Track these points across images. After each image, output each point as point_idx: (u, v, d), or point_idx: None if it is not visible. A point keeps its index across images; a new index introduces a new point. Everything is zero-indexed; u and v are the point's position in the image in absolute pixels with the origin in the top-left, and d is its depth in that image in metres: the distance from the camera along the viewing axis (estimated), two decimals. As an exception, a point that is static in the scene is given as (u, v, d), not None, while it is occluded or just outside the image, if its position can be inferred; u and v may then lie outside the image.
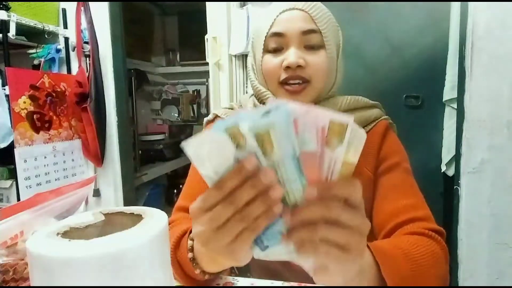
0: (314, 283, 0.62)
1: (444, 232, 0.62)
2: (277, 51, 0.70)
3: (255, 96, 0.78)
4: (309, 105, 0.34)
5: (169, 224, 0.63)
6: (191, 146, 0.34)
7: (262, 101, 0.75)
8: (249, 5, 1.86)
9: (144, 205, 1.31)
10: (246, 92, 1.88)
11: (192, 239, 0.58)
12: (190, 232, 0.59)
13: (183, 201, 0.76)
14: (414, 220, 0.63)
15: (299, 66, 0.67)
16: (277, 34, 0.69)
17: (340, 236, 0.36)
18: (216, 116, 0.82)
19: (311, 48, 0.69)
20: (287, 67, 0.68)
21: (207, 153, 0.35)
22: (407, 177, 0.71)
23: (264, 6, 1.78)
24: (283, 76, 0.69)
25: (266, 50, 0.71)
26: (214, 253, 0.40)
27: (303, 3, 0.70)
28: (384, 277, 0.49)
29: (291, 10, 0.70)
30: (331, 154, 0.35)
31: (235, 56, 1.91)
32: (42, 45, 1.94)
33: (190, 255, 0.56)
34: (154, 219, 0.39)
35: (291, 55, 0.67)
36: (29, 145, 1.74)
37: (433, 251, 0.57)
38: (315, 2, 0.71)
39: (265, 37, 0.70)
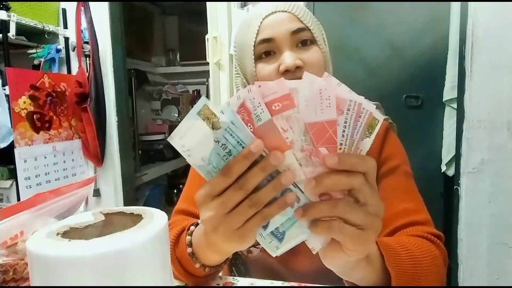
0: (313, 283, 0.63)
1: (442, 236, 0.63)
2: (269, 56, 0.68)
3: None
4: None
5: (168, 226, 0.63)
6: (175, 139, 0.36)
7: None
8: (250, 5, 1.86)
9: (144, 205, 1.31)
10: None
11: (190, 235, 0.58)
12: (189, 228, 0.60)
13: (183, 203, 0.75)
14: (414, 224, 0.64)
15: (297, 67, 0.65)
16: (266, 40, 0.67)
17: (358, 215, 0.37)
18: None
19: (303, 46, 0.68)
20: (286, 71, 0.65)
21: (189, 142, 0.36)
22: (408, 180, 0.71)
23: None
24: None
25: (257, 58, 0.69)
26: (223, 238, 0.40)
27: (284, 5, 0.68)
28: (388, 269, 0.49)
29: (275, 13, 0.67)
30: (360, 143, 0.37)
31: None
32: (42, 45, 1.94)
33: (189, 250, 0.57)
34: (154, 219, 0.38)
35: (287, 58, 0.65)
36: (29, 145, 1.74)
37: (432, 252, 0.57)
38: (295, 2, 0.69)
39: (254, 46, 0.67)
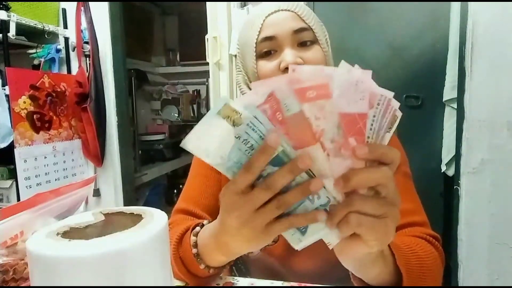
0: (313, 283, 0.62)
1: (439, 237, 0.63)
2: (270, 54, 0.69)
3: None
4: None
5: (168, 225, 0.63)
6: (190, 142, 0.35)
7: None
8: (250, 5, 1.86)
9: (144, 205, 1.31)
10: (246, 92, 1.88)
11: (195, 235, 0.58)
12: (193, 229, 0.60)
13: (182, 203, 0.75)
14: (412, 224, 0.64)
15: None
16: (268, 38, 0.67)
17: (374, 205, 0.37)
18: None
19: (304, 45, 0.68)
20: (286, 69, 0.65)
21: (207, 144, 0.36)
22: (407, 181, 0.71)
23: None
24: None
25: (259, 56, 0.69)
26: (246, 236, 0.41)
27: (287, 4, 0.68)
28: (397, 269, 0.50)
29: (277, 12, 0.68)
30: (383, 137, 0.39)
31: (235, 56, 1.91)
32: (42, 45, 1.94)
33: (194, 250, 0.57)
34: (154, 219, 0.39)
35: (288, 56, 0.65)
36: (29, 145, 1.74)
37: (433, 252, 0.58)
38: (298, 2, 0.70)
39: (256, 43, 0.68)
